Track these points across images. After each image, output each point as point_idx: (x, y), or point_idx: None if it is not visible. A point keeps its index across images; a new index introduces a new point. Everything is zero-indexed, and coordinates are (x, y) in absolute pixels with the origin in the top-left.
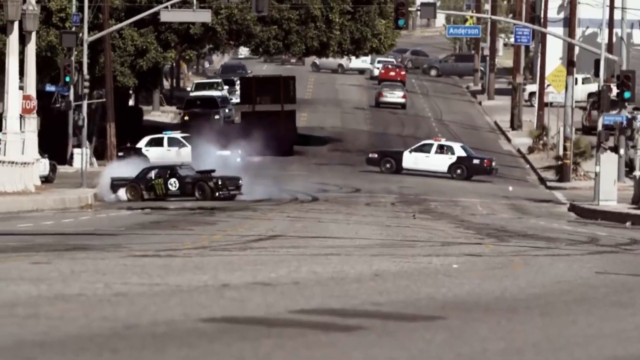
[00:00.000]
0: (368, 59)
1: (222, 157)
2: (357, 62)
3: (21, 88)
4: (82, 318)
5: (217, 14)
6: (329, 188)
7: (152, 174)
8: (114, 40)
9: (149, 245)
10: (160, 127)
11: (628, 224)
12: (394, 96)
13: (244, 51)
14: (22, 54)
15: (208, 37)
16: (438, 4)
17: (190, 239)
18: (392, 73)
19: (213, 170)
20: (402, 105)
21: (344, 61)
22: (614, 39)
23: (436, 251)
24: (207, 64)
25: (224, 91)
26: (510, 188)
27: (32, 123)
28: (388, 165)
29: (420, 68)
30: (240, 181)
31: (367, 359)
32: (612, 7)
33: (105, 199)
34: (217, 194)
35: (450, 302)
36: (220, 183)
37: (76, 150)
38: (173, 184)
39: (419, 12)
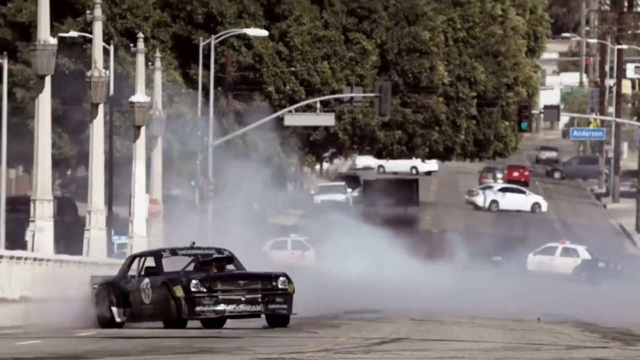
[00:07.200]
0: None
1: None
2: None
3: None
4: None
5: (340, 119)
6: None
7: None
8: (237, 145)
9: (274, 348)
10: (285, 229)
11: None
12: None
13: (360, 161)
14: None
15: (331, 142)
16: (561, 106)
17: (314, 342)
18: (516, 174)
19: None
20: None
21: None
22: None
23: (561, 355)
24: (326, 165)
25: (348, 194)
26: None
27: (158, 227)
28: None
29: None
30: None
31: None
32: None
33: None
34: None
35: None
36: None
37: None
38: None
39: (542, 115)
